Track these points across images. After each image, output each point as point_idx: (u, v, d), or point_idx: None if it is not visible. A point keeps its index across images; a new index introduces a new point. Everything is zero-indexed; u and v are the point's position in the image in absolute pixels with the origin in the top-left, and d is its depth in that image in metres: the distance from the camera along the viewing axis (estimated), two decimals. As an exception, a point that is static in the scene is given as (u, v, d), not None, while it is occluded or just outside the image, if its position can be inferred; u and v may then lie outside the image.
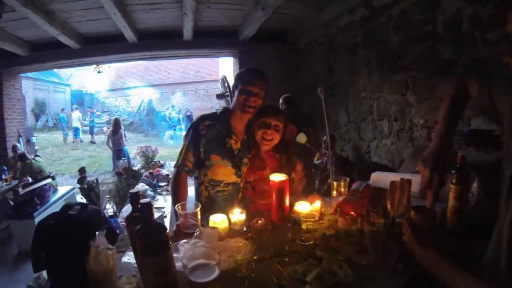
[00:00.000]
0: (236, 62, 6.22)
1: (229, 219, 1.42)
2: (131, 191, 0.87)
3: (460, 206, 1.14)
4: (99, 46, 5.63)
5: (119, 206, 2.25)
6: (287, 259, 1.09)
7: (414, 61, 3.41)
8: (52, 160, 10.75)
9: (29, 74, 15.66)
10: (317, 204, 1.48)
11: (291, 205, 1.50)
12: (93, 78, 20.99)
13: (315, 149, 4.12)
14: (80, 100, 20.77)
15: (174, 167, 1.76)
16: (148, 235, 0.86)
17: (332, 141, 4.18)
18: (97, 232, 1.02)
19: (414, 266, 0.93)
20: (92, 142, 14.24)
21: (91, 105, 19.62)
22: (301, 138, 2.50)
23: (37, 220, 4.07)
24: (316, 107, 5.35)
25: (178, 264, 0.94)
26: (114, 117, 7.75)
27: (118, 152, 7.30)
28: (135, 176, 2.20)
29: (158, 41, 5.65)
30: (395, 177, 1.34)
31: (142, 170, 4.92)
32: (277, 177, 1.48)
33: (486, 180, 1.28)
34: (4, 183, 4.98)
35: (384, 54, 3.88)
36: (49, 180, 4.71)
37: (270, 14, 4.44)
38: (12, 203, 4.70)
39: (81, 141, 14.22)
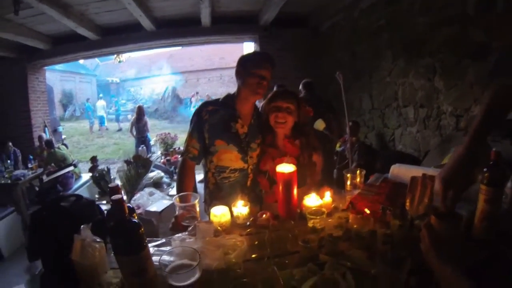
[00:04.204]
0: (257, 47, 6.08)
1: (231, 212, 1.32)
2: (110, 185, 0.79)
3: (491, 212, 0.96)
4: (118, 36, 5.69)
5: (129, 195, 2.20)
6: (287, 261, 0.98)
7: (442, 45, 3.15)
8: (79, 148, 11.10)
9: (56, 67, 16.24)
10: (328, 197, 1.35)
11: (301, 197, 1.38)
12: (118, 68, 21.52)
13: (335, 136, 3.95)
14: (106, 89, 21.36)
15: (180, 156, 1.71)
16: (120, 233, 0.79)
17: (356, 128, 4.01)
18: (82, 226, 0.95)
19: (430, 283, 0.79)
20: (119, 130, 14.52)
21: (115, 95, 20.05)
22: (319, 124, 2.35)
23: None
24: (339, 94, 5.12)
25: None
26: (137, 105, 7.76)
27: (143, 139, 7.31)
28: (145, 165, 2.14)
29: (177, 29, 5.62)
30: (418, 171, 1.18)
31: (162, 157, 4.92)
32: (284, 168, 1.35)
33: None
34: (30, 172, 5.12)
35: (409, 37, 3.61)
36: (71, 168, 4.83)
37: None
38: (37, 189, 4.91)
39: (107, 129, 14.59)
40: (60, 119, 17.11)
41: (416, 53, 3.53)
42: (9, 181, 4.73)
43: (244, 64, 1.65)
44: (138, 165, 2.12)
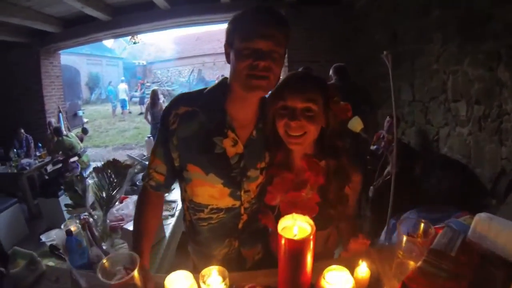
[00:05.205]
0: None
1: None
2: None
3: None
4: (130, 15, 5.33)
5: (105, 209, 1.75)
6: None
7: (512, 24, 2.44)
8: (99, 132, 11.04)
9: (83, 51, 16.47)
10: (363, 270, 0.80)
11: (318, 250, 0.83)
12: (145, 50, 21.58)
13: (371, 135, 3.33)
14: (132, 72, 21.51)
15: (142, 179, 1.16)
16: None
17: (397, 124, 3.38)
18: None
19: None
20: (141, 113, 14.35)
21: (141, 77, 20.12)
22: (356, 124, 1.77)
23: (61, 199, 3.96)
24: (375, 80, 4.45)
25: None
26: (152, 89, 7.34)
27: (158, 126, 6.90)
28: (119, 172, 1.66)
29: (193, 5, 5.13)
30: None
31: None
32: (291, 223, 0.79)
33: None
34: (37, 160, 4.91)
35: (468, 14, 2.88)
36: (75, 158, 4.55)
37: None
38: (46, 177, 4.74)
39: (130, 112, 14.49)
40: (86, 102, 17.56)
41: (475, 35, 2.81)
42: (15, 170, 4.58)
43: (232, 33, 0.96)
44: (109, 174, 1.64)
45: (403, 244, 0.80)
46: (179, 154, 1.04)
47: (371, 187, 3.02)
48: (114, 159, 1.73)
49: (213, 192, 1.04)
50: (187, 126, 1.01)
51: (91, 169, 4.93)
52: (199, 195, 1.06)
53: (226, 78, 1.06)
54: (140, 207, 1.10)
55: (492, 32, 2.62)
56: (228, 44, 0.98)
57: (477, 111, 2.90)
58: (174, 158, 1.05)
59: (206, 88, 1.08)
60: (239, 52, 0.92)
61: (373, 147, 3.52)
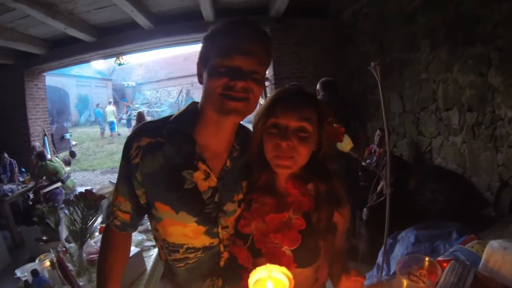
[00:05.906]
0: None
1: None
2: None
3: None
4: (114, 36, 5.25)
5: (79, 243, 1.60)
6: None
7: (500, 26, 2.41)
8: (87, 155, 10.78)
9: (72, 73, 16.40)
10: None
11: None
12: (134, 72, 21.61)
13: (362, 151, 3.20)
14: (122, 93, 21.48)
15: (106, 218, 1.02)
16: None
17: (388, 137, 3.27)
18: None
19: None
20: (130, 136, 14.29)
21: (127, 99, 20.13)
22: (345, 143, 1.65)
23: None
24: (364, 93, 4.39)
25: None
26: (137, 111, 7.24)
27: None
28: (91, 206, 1.53)
29: (177, 25, 5.08)
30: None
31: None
32: (267, 273, 0.66)
33: None
34: (20, 186, 4.71)
35: (455, 18, 2.85)
36: (59, 184, 4.37)
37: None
38: (30, 203, 4.55)
39: (118, 134, 14.26)
40: (75, 124, 17.37)
41: (464, 40, 2.78)
42: (-4, 197, 4.37)
43: (207, 50, 0.85)
44: (79, 207, 1.50)
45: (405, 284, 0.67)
46: (144, 191, 0.90)
47: (364, 209, 2.88)
48: (86, 191, 1.59)
49: (186, 231, 0.90)
50: (151, 160, 0.88)
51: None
52: (172, 235, 0.91)
53: (195, 102, 0.95)
54: (104, 251, 0.95)
55: (481, 35, 2.59)
56: (202, 62, 0.86)
57: (470, 118, 2.85)
58: (140, 195, 0.91)
59: (172, 115, 0.95)
60: (214, 69, 0.80)
61: (364, 163, 3.41)
